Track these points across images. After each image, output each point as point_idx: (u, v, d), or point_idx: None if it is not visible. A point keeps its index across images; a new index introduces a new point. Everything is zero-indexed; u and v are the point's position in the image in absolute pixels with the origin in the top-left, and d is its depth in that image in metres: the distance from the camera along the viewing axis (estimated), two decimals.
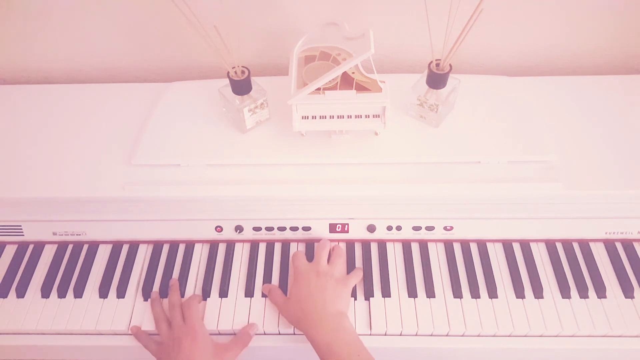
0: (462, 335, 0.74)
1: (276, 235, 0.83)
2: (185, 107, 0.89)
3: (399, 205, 0.80)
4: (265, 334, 0.75)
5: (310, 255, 0.81)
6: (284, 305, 0.74)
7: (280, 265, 0.81)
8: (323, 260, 0.77)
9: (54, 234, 0.83)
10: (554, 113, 0.87)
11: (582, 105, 0.89)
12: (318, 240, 0.82)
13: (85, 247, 0.84)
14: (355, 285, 0.77)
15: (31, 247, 0.84)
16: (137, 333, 0.74)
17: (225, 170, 0.80)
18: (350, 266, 0.80)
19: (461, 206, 0.79)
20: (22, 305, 0.78)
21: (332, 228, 0.82)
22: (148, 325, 0.75)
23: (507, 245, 0.81)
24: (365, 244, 0.82)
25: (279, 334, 0.74)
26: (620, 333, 0.72)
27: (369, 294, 0.76)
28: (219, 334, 0.75)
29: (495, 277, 0.78)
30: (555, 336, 0.73)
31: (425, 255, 0.80)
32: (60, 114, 0.91)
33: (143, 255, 0.83)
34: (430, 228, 0.81)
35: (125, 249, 0.83)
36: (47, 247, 0.84)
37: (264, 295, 0.77)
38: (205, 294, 0.78)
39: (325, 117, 0.78)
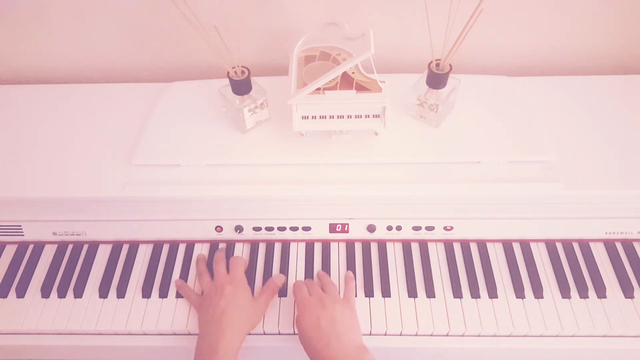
0: (462, 335, 0.74)
1: (276, 235, 0.83)
2: (185, 107, 0.89)
3: (399, 205, 0.80)
4: (265, 334, 0.75)
5: (308, 259, 0.81)
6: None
7: (280, 265, 0.81)
8: (320, 291, 0.74)
9: (54, 234, 0.83)
10: (554, 113, 0.87)
11: (582, 105, 0.89)
12: (318, 241, 0.83)
13: (85, 247, 0.84)
14: (356, 285, 0.77)
15: (31, 247, 0.84)
16: (180, 286, 0.78)
17: (225, 170, 0.80)
18: (351, 267, 0.80)
19: (461, 206, 0.79)
20: (22, 305, 0.78)
21: (332, 228, 0.82)
22: (149, 324, 0.75)
23: (507, 245, 0.81)
24: (365, 244, 0.82)
25: (279, 334, 0.74)
26: (620, 333, 0.72)
27: (369, 294, 0.76)
28: None
29: (495, 277, 0.78)
30: (555, 336, 0.73)
31: (425, 255, 0.80)
32: (61, 114, 0.91)
33: (143, 255, 0.83)
34: (430, 228, 0.81)
35: (125, 249, 0.83)
36: (47, 247, 0.84)
37: None
38: None
39: (325, 117, 0.78)
